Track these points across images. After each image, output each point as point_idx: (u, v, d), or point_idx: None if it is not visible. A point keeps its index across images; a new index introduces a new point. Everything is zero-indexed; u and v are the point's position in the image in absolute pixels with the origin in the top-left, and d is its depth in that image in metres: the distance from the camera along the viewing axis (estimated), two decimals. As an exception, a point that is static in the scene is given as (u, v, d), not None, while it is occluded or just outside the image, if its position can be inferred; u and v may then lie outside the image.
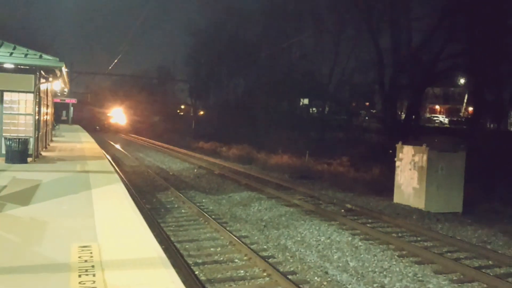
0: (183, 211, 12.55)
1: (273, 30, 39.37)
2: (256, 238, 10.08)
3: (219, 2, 43.42)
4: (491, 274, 8.14)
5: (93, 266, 5.18)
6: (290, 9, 37.82)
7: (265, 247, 9.42)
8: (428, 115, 53.29)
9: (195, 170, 21.27)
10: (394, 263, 8.54)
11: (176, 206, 13.18)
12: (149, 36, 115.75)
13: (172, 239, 9.59)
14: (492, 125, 28.67)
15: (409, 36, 29.97)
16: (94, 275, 4.92)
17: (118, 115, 63.62)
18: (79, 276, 4.89)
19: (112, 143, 37.22)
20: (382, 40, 30.87)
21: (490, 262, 8.88)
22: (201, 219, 11.51)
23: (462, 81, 41.96)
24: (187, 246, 9.23)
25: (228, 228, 10.52)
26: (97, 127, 61.09)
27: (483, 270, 8.29)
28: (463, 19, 26.53)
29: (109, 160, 18.64)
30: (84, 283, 4.70)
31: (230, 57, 43.68)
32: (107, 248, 5.91)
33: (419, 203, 13.59)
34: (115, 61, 48.12)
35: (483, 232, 11.19)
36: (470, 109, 37.92)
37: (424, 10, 28.91)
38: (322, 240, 9.91)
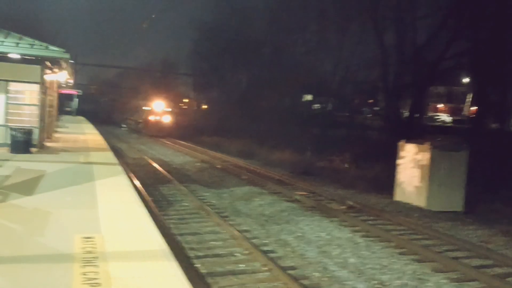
0: (185, 204, 12.61)
1: (277, 26, 39.30)
2: (257, 232, 10.14)
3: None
4: (491, 273, 8.19)
5: (96, 257, 5.24)
6: (295, 5, 37.73)
7: (266, 241, 9.47)
8: (431, 113, 53.22)
9: (197, 164, 21.34)
10: (394, 260, 8.59)
11: (178, 199, 13.24)
12: (152, 29, 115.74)
13: (173, 231, 9.66)
14: (495, 125, 28.60)
15: (414, 34, 29.87)
16: (97, 266, 4.98)
17: (158, 109, 40.40)
18: (82, 267, 4.96)
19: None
20: (386, 37, 30.79)
21: (490, 261, 8.91)
22: (203, 212, 11.57)
23: (465, 80, 41.85)
24: (188, 239, 9.29)
25: (229, 222, 10.59)
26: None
27: (483, 270, 8.34)
28: (467, 18, 26.42)
29: (112, 152, 18.70)
30: (87, 274, 4.77)
31: (233, 52, 43.63)
32: (110, 239, 5.97)
33: (421, 201, 13.62)
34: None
35: (484, 232, 11.22)
36: (473, 108, 37.85)
37: (429, 8, 28.76)
38: (322, 236, 9.96)
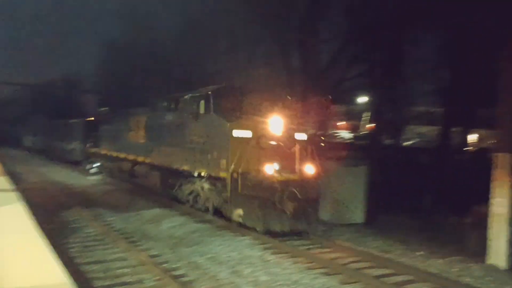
0: (90, 230, 11.95)
1: (186, 46, 39.29)
2: (167, 256, 9.89)
3: (131, 16, 42.36)
4: (390, 282, 8.77)
5: (-12, 297, 4.76)
6: (203, 25, 38.06)
7: (176, 265, 9.27)
8: (331, 131, 56.18)
9: (101, 187, 20.39)
10: (303, 275, 8.85)
11: (82, 225, 12.51)
12: (54, 44, 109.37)
13: (77, 261, 9.09)
14: (389, 141, 31.00)
15: (317, 57, 31.52)
16: (-12, 306, 4.52)
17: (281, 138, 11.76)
18: (-29, 308, 4.47)
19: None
20: (293, 59, 32.08)
21: (388, 271, 9.54)
22: (109, 238, 11.04)
23: (360, 100, 44.85)
24: (94, 268, 8.80)
25: (138, 247, 10.21)
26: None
27: (384, 279, 8.91)
28: (364, 44, 28.54)
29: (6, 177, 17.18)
30: (-24, 316, 4.30)
31: (142, 71, 42.70)
32: (5, 275, 5.45)
33: (324, 215, 14.25)
34: None
35: (384, 242, 12.02)
36: (368, 126, 40.79)
37: (330, 34, 30.58)
38: (233, 255, 9.98)
